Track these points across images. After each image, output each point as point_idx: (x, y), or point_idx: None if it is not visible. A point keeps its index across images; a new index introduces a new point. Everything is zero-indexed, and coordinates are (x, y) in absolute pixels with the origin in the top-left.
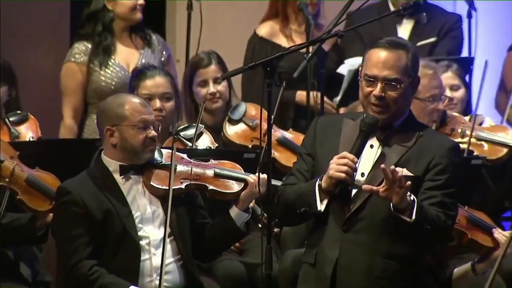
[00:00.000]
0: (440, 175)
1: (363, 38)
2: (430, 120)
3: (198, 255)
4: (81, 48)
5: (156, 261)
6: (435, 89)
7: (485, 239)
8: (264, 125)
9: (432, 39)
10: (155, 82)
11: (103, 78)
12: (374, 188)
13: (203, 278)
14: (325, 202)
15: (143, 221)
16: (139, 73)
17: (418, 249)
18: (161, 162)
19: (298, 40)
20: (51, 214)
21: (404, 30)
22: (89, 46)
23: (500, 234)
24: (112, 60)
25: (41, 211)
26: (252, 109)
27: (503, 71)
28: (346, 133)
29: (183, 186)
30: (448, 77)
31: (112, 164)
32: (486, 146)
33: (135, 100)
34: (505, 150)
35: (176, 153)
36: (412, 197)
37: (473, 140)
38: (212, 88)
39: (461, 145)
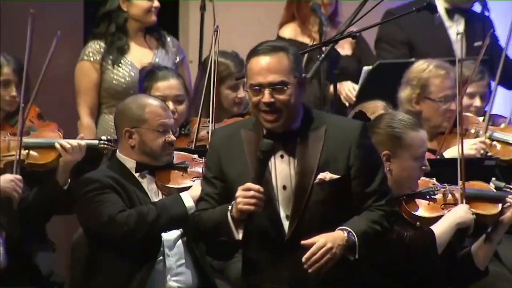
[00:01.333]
0: (367, 167)
1: (406, 31)
2: (443, 121)
3: (212, 253)
4: (95, 47)
5: (170, 261)
6: (448, 89)
7: (487, 207)
8: None
9: (487, 41)
10: (169, 84)
11: (115, 77)
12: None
13: (216, 279)
14: (241, 230)
15: None
16: (151, 73)
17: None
18: (173, 162)
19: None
20: (61, 159)
21: (460, 30)
22: (103, 45)
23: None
24: (125, 59)
25: (53, 160)
26: None
27: None
28: (250, 149)
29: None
30: (482, 86)
31: (128, 162)
32: (499, 146)
33: (156, 103)
34: None
35: (186, 153)
36: (347, 234)
37: (487, 140)
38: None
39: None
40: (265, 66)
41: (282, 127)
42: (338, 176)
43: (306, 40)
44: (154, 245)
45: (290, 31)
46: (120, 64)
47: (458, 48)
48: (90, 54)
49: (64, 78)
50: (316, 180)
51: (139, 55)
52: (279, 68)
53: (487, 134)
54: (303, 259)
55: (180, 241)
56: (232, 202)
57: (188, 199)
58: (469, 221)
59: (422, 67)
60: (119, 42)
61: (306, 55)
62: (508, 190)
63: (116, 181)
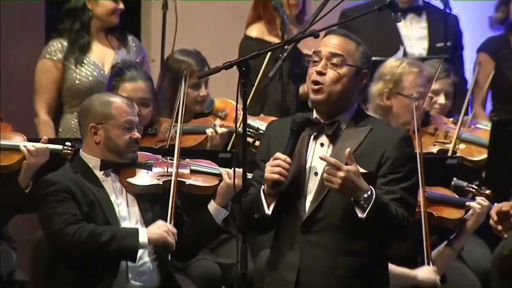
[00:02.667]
0: (394, 168)
1: (358, 33)
2: (412, 118)
3: (176, 254)
4: (57, 46)
5: None
6: (420, 87)
7: (451, 212)
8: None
9: (449, 43)
10: (136, 86)
11: (77, 76)
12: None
13: (179, 278)
14: (272, 205)
15: (120, 219)
16: (120, 73)
17: (381, 244)
18: (138, 161)
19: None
20: (24, 161)
21: (416, 28)
22: (65, 43)
23: (479, 201)
24: (88, 59)
25: (16, 163)
26: (220, 103)
27: (475, 72)
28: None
29: (160, 182)
30: (447, 83)
31: (92, 161)
32: (468, 147)
33: (122, 100)
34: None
35: (150, 154)
36: (370, 191)
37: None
38: (204, 91)
39: (446, 146)
40: (332, 41)
41: (327, 104)
42: (365, 171)
43: (274, 39)
44: None
45: (257, 30)
46: (83, 64)
47: (411, 45)
48: (52, 52)
49: (25, 78)
50: None
51: (101, 54)
52: (344, 47)
53: (456, 135)
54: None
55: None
56: None
57: (144, 236)
58: (430, 283)
59: (395, 63)
60: (82, 40)
61: (269, 54)
62: (470, 189)
63: (76, 183)
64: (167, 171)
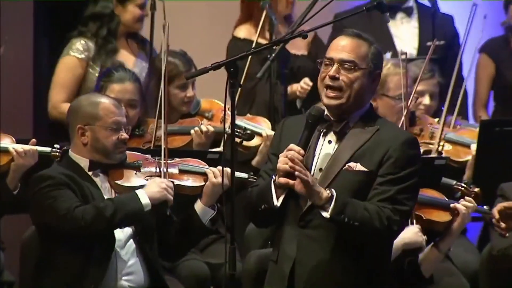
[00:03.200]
0: (393, 169)
1: None
2: (398, 119)
3: (164, 253)
4: (82, 44)
5: (121, 261)
6: (405, 88)
7: (440, 215)
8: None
9: (442, 42)
10: (124, 88)
11: None
12: (290, 182)
13: (167, 278)
14: (281, 198)
15: None
16: (108, 73)
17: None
18: (126, 161)
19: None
20: (13, 163)
21: (407, 28)
22: (90, 44)
23: (464, 203)
24: (112, 62)
25: (4, 164)
26: (207, 103)
27: (475, 72)
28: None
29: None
30: (432, 84)
31: (81, 161)
32: (451, 147)
33: (109, 101)
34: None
35: (139, 154)
36: (329, 192)
37: (442, 143)
38: (191, 92)
39: (430, 146)
40: (343, 44)
41: (340, 108)
42: (366, 169)
43: (262, 40)
44: (108, 244)
45: (244, 31)
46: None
47: (400, 45)
48: (78, 51)
49: (15, 76)
50: (345, 167)
51: (123, 58)
52: (354, 50)
53: (439, 136)
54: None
55: (131, 240)
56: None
57: (144, 197)
58: (418, 242)
59: None
60: (109, 45)
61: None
62: (459, 188)
63: (70, 177)
64: (156, 171)
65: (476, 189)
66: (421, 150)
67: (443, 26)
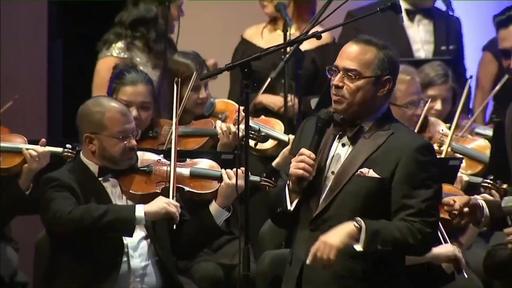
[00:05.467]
0: (410, 179)
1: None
2: (409, 126)
3: (177, 252)
4: (121, 46)
5: (134, 263)
6: (413, 95)
7: None
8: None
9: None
10: (136, 90)
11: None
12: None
13: (181, 279)
14: (295, 201)
15: None
16: (120, 75)
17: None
18: (137, 165)
19: (277, 40)
20: (25, 165)
21: (423, 31)
22: (130, 46)
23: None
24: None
25: (16, 165)
26: (222, 104)
27: (478, 71)
28: (327, 132)
29: (158, 189)
30: (445, 89)
31: (91, 166)
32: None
33: (116, 108)
34: (480, 167)
35: (152, 155)
36: (357, 224)
37: (446, 150)
38: (204, 94)
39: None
40: (348, 51)
41: (348, 112)
42: (378, 176)
43: (261, 42)
44: (117, 247)
45: (250, 31)
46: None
47: (418, 49)
48: (119, 50)
49: (29, 77)
50: (357, 172)
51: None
52: (358, 57)
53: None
54: (308, 262)
55: (144, 242)
56: None
57: (140, 210)
58: (447, 257)
59: None
60: (159, 47)
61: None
62: (486, 184)
63: (77, 183)
64: (167, 174)
65: (504, 185)
66: None
67: (454, 29)
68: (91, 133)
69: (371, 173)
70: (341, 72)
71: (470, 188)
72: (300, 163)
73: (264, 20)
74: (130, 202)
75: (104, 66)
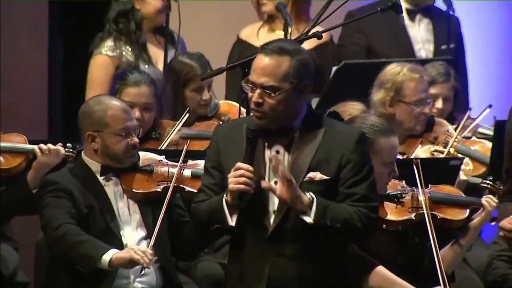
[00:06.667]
0: (355, 171)
1: (367, 35)
2: (416, 124)
3: (177, 253)
4: (112, 44)
5: None
6: (422, 93)
7: (455, 213)
8: None
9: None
10: (139, 91)
11: None
12: (273, 186)
13: (182, 278)
14: (235, 216)
15: (121, 223)
16: (123, 76)
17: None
18: (139, 165)
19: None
20: (35, 161)
21: (423, 30)
22: (120, 42)
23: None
24: (144, 57)
25: (17, 166)
26: (226, 106)
27: None
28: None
29: (159, 189)
30: (446, 88)
31: (93, 165)
32: (466, 160)
33: (118, 106)
34: (483, 169)
35: (154, 155)
36: (310, 196)
37: (453, 152)
38: (207, 95)
39: (441, 155)
40: (262, 67)
41: (272, 125)
42: (327, 177)
43: (258, 41)
44: (116, 247)
45: (246, 31)
46: (141, 63)
47: (419, 48)
48: (109, 49)
49: (29, 77)
50: (306, 179)
51: (154, 54)
52: (274, 72)
53: (455, 146)
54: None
55: (144, 242)
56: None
57: (108, 256)
58: None
59: (395, 70)
60: (141, 39)
61: None
62: (486, 185)
63: (75, 185)
64: (168, 175)
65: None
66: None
67: (455, 29)
68: (94, 131)
69: (319, 175)
70: (258, 88)
71: (470, 189)
72: (240, 178)
73: (259, 20)
74: (131, 201)
75: (94, 64)
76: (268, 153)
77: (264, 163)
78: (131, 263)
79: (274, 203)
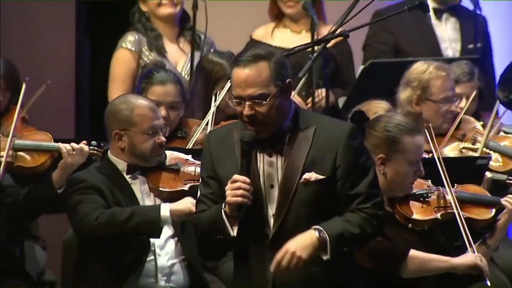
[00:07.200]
0: (352, 169)
1: (394, 34)
2: (443, 122)
3: (204, 253)
4: (134, 37)
5: (162, 261)
6: (449, 90)
7: (481, 212)
8: None
9: (479, 44)
10: (165, 90)
11: None
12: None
13: (208, 277)
14: (235, 226)
15: None
16: (149, 75)
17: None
18: (165, 164)
19: (290, 40)
20: (62, 161)
21: (450, 29)
22: (141, 36)
23: (508, 199)
24: (164, 56)
25: (42, 164)
26: None
27: None
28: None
29: (186, 187)
30: (470, 87)
31: (120, 164)
32: (495, 156)
33: (145, 104)
34: None
35: (180, 154)
36: (319, 234)
37: (481, 149)
38: None
39: (471, 153)
40: (244, 79)
41: (267, 133)
42: (323, 177)
43: (274, 41)
44: (143, 246)
45: (260, 32)
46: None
47: (446, 48)
48: (129, 43)
49: (57, 75)
50: (301, 180)
51: (174, 55)
52: (258, 81)
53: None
54: (271, 269)
55: (171, 240)
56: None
57: (166, 210)
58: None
59: (422, 68)
60: (155, 42)
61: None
62: (511, 181)
63: (105, 182)
64: (195, 174)
65: None
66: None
67: (481, 28)
68: (120, 129)
69: (315, 175)
70: (247, 101)
71: (496, 186)
72: (238, 190)
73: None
74: (158, 200)
75: (116, 60)
76: (260, 158)
77: (258, 171)
78: (189, 215)
79: (272, 206)
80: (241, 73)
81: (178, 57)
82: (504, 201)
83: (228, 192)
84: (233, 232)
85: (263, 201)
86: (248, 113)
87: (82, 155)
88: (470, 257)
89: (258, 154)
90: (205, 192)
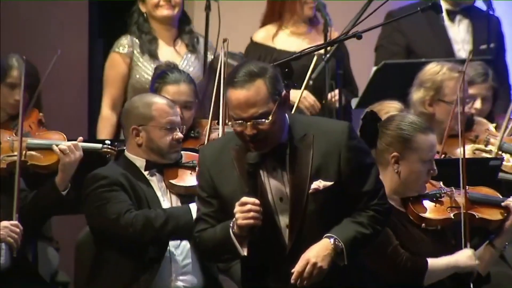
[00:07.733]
0: (356, 169)
1: (407, 35)
2: (456, 124)
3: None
4: (126, 40)
5: (176, 262)
6: (462, 92)
7: (492, 213)
8: None
9: (492, 45)
10: (179, 89)
11: (144, 74)
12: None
13: (222, 279)
14: (245, 246)
15: None
16: (163, 75)
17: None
18: (182, 161)
19: (295, 41)
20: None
21: (463, 31)
22: (135, 40)
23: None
24: (156, 59)
25: (55, 162)
26: None
27: None
28: (241, 165)
29: None
30: (485, 88)
31: (137, 161)
32: (507, 157)
33: (163, 101)
34: None
35: (195, 154)
36: (333, 241)
37: (496, 151)
38: None
39: (484, 154)
40: (244, 100)
41: (269, 148)
42: (331, 183)
43: (276, 43)
44: (160, 246)
45: (261, 34)
46: (151, 62)
47: (459, 49)
48: (121, 46)
49: (70, 76)
50: (311, 190)
51: (169, 57)
52: (258, 100)
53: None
54: (292, 281)
55: (186, 240)
56: (233, 219)
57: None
58: (471, 267)
59: (435, 69)
60: (148, 44)
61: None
62: None
63: (126, 178)
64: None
65: None
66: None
67: (495, 29)
68: (138, 125)
69: (323, 183)
70: (248, 121)
71: (508, 187)
72: (248, 213)
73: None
74: (174, 197)
75: (107, 64)
76: (263, 172)
77: (265, 186)
78: None
79: (284, 218)
80: (240, 94)
81: (173, 60)
82: (508, 201)
83: (238, 215)
84: (244, 252)
85: (274, 215)
86: (250, 133)
87: (74, 151)
88: (463, 257)
89: (261, 170)
90: (207, 211)
